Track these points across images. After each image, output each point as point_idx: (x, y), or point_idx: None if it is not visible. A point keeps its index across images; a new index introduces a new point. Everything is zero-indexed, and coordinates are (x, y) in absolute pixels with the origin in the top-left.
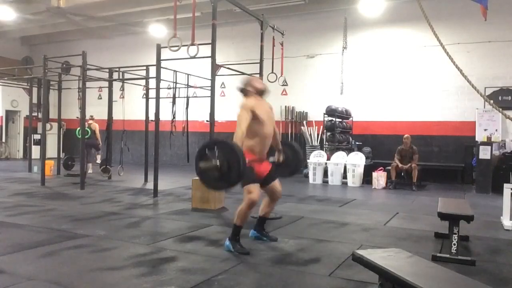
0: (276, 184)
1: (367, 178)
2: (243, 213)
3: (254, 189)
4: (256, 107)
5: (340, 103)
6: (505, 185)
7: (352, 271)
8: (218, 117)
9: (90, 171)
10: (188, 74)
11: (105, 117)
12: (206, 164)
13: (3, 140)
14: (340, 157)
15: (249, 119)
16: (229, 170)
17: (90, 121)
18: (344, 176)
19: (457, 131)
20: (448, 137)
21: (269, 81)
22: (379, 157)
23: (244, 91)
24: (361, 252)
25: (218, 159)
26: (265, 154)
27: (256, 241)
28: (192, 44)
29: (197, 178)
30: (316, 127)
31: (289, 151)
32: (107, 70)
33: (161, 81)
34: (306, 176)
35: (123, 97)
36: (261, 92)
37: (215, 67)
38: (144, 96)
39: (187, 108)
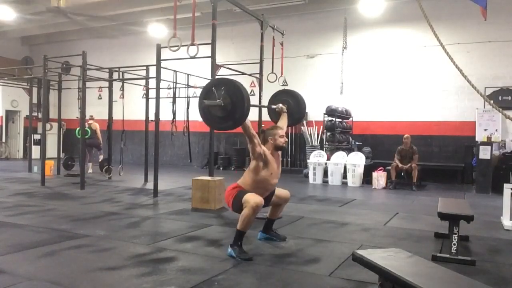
0: (278, 190)
1: (367, 178)
2: (247, 218)
3: (254, 196)
4: (269, 155)
5: (340, 103)
6: (505, 185)
7: (352, 271)
8: None
9: (90, 171)
10: (188, 74)
11: (105, 117)
12: (211, 102)
13: (3, 140)
14: (340, 157)
15: (262, 150)
16: (234, 108)
17: (90, 121)
18: (344, 176)
19: (457, 131)
20: (448, 137)
21: (269, 81)
22: (379, 157)
23: (263, 138)
24: (361, 252)
25: (222, 98)
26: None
27: (257, 241)
28: (192, 44)
29: (196, 178)
30: (316, 127)
31: (291, 99)
32: (107, 70)
33: (161, 81)
34: (306, 176)
35: (123, 97)
36: (279, 149)
37: (215, 67)
38: (144, 96)
39: (187, 108)
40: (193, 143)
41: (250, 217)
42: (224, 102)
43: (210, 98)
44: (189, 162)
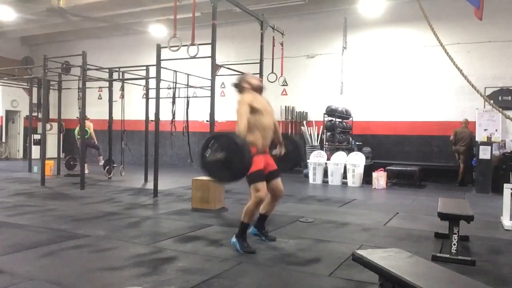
0: (279, 182)
1: (367, 178)
2: (250, 211)
3: (262, 187)
4: (254, 101)
5: (340, 103)
6: (505, 185)
7: (352, 271)
8: (218, 117)
9: (86, 171)
10: (188, 74)
11: (105, 117)
12: (211, 156)
13: (3, 140)
14: (340, 157)
15: (248, 113)
16: (234, 162)
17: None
18: (344, 176)
19: None
20: (448, 137)
21: (269, 81)
22: (379, 157)
23: (239, 87)
24: (361, 252)
25: (222, 152)
26: (268, 147)
27: (256, 241)
28: (192, 44)
29: (196, 178)
30: (316, 127)
31: (289, 145)
32: (107, 70)
33: (161, 81)
34: (306, 176)
35: (123, 97)
36: (257, 89)
37: (215, 67)
38: (144, 96)
39: (187, 108)
40: (193, 143)
41: (253, 211)
42: (224, 156)
43: (210, 153)
44: (190, 162)
